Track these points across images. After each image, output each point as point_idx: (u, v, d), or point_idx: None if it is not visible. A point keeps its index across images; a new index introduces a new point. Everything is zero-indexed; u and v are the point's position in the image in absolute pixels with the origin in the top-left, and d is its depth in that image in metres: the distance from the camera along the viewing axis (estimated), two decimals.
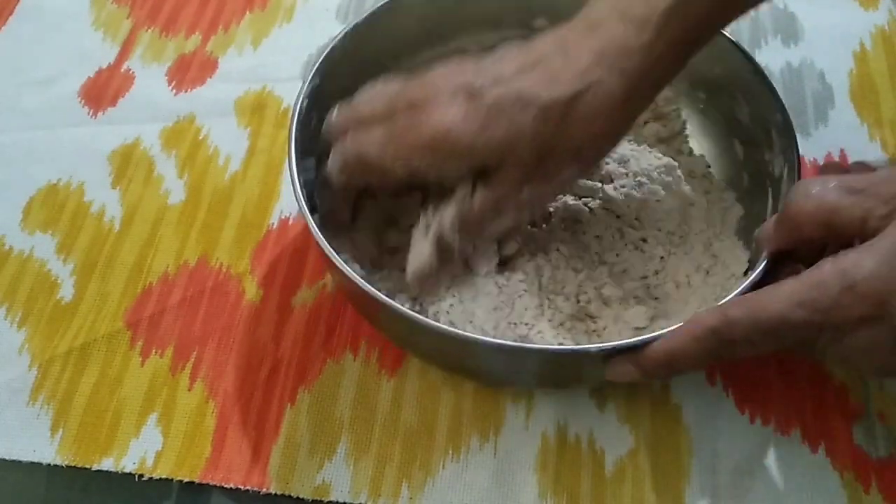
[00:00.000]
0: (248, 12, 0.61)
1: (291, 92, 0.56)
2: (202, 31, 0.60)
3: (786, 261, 0.36)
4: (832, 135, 0.53)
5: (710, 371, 0.44)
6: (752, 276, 0.36)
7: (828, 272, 0.32)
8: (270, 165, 0.52)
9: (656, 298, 0.43)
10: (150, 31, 0.60)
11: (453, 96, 0.37)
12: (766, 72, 0.43)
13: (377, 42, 0.48)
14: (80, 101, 0.56)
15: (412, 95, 0.39)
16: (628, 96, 0.37)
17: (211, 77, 0.57)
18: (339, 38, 0.46)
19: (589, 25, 0.38)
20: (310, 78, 0.44)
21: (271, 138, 0.54)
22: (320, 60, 0.45)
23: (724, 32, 0.44)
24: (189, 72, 0.58)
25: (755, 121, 0.44)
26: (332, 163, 0.40)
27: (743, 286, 0.36)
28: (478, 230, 0.40)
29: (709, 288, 0.42)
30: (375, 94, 0.41)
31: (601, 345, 0.36)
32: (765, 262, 0.36)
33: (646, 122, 0.49)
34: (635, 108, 0.39)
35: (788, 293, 0.32)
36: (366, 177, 0.40)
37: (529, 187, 0.38)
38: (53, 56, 0.59)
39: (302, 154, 0.42)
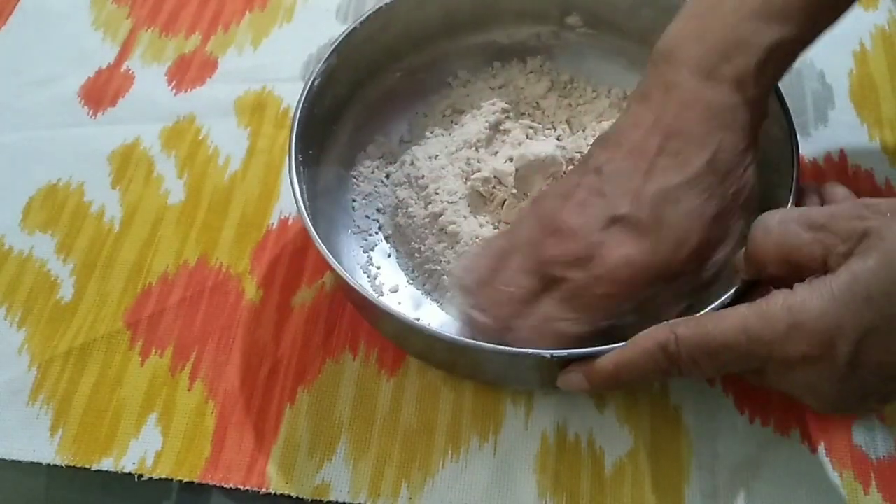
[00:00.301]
0: (248, 12, 0.61)
1: (291, 92, 0.56)
2: (202, 31, 0.60)
3: (758, 286, 0.36)
4: (832, 135, 0.53)
5: None
6: (717, 302, 0.36)
7: (777, 306, 0.31)
8: (270, 165, 0.52)
9: None
10: (149, 31, 0.60)
11: (610, 234, 0.37)
12: (784, 96, 0.42)
13: (400, 28, 0.48)
14: (80, 102, 0.56)
15: (561, 252, 0.37)
16: (748, 145, 0.38)
17: (211, 77, 0.57)
18: (361, 20, 0.46)
19: (678, 99, 0.38)
20: (326, 56, 0.44)
21: (271, 138, 0.54)
22: (339, 40, 0.45)
23: None
24: (189, 72, 0.58)
25: (766, 141, 0.43)
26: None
27: (706, 311, 0.36)
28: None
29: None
30: (506, 272, 0.38)
31: (556, 351, 0.36)
32: (734, 289, 0.36)
33: None
34: (756, 153, 0.39)
35: (736, 320, 0.32)
36: (566, 347, 0.37)
37: (710, 263, 0.38)
38: (53, 56, 0.59)
39: (303, 149, 0.42)
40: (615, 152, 0.39)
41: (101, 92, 0.57)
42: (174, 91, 0.57)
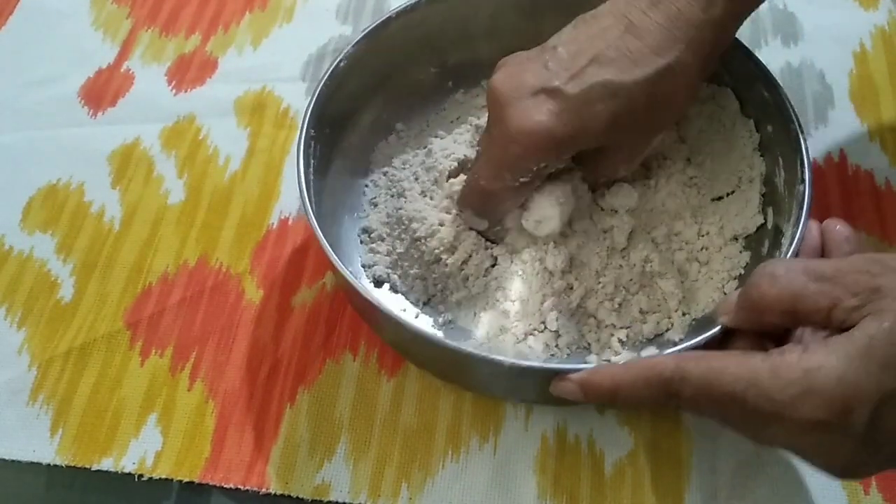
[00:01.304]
0: (247, 12, 0.61)
1: (291, 92, 0.56)
2: (202, 31, 0.60)
3: (739, 333, 0.35)
4: (832, 135, 0.53)
5: None
6: (700, 338, 0.36)
7: (791, 367, 0.30)
8: (270, 165, 0.52)
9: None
10: (149, 31, 0.60)
11: (534, 100, 0.38)
12: (801, 139, 0.42)
13: (439, 24, 0.48)
14: (80, 102, 0.56)
15: (490, 111, 0.40)
16: (702, 68, 0.39)
17: (211, 77, 0.57)
18: (398, 10, 0.47)
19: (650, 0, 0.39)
20: (356, 40, 0.45)
21: (271, 138, 0.54)
22: (371, 27, 0.46)
23: (778, 85, 0.44)
24: (189, 72, 0.58)
25: (787, 186, 0.43)
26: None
27: (686, 344, 0.36)
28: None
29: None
30: None
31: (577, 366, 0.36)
32: (717, 327, 0.36)
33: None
34: (704, 77, 0.41)
35: (747, 371, 0.31)
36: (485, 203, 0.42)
37: (627, 164, 0.42)
38: (53, 56, 0.59)
39: (318, 127, 0.43)
40: (577, 34, 0.39)
41: (101, 92, 0.57)
42: (174, 91, 0.57)
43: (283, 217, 0.50)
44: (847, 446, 0.30)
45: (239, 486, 0.41)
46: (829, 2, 0.60)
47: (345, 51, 0.45)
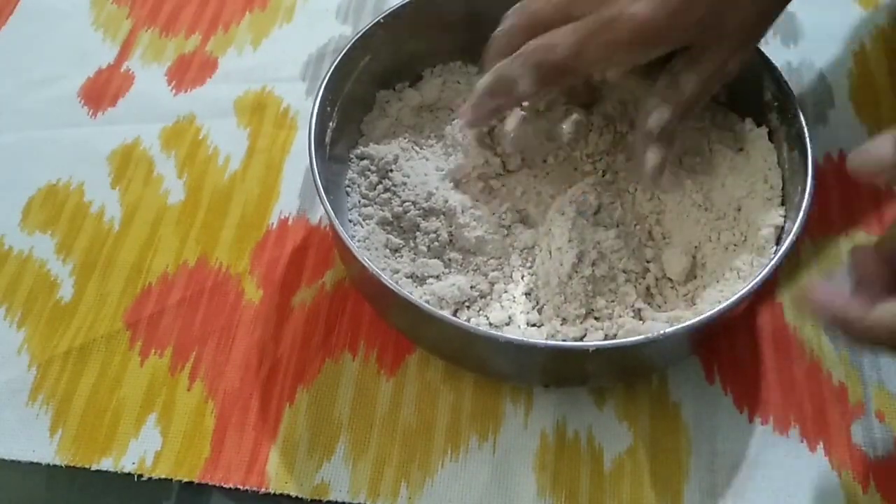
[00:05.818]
0: (247, 12, 0.61)
1: (291, 92, 0.56)
2: (202, 31, 0.60)
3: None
4: (832, 135, 0.53)
5: (709, 369, 0.44)
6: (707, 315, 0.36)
7: None
8: (270, 165, 0.52)
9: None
10: (149, 31, 0.60)
11: None
12: (806, 137, 0.42)
13: (450, 12, 0.48)
14: (80, 101, 0.56)
15: None
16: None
17: (211, 77, 0.57)
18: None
19: None
20: (372, 23, 0.45)
21: (271, 138, 0.54)
22: (394, 7, 0.46)
23: (785, 81, 0.44)
24: (189, 72, 0.58)
25: (789, 183, 0.43)
26: (515, 71, 0.39)
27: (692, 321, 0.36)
28: (690, 113, 0.40)
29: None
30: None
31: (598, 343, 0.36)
32: (722, 305, 0.36)
33: None
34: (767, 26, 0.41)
35: None
36: (555, 83, 0.40)
37: (733, 59, 0.39)
38: (53, 56, 0.59)
39: (322, 118, 0.43)
40: None
41: (101, 92, 0.57)
42: (174, 91, 0.57)
43: (282, 217, 0.50)
44: None
45: (238, 486, 0.41)
46: (829, 2, 0.60)
47: (363, 30, 0.45)
